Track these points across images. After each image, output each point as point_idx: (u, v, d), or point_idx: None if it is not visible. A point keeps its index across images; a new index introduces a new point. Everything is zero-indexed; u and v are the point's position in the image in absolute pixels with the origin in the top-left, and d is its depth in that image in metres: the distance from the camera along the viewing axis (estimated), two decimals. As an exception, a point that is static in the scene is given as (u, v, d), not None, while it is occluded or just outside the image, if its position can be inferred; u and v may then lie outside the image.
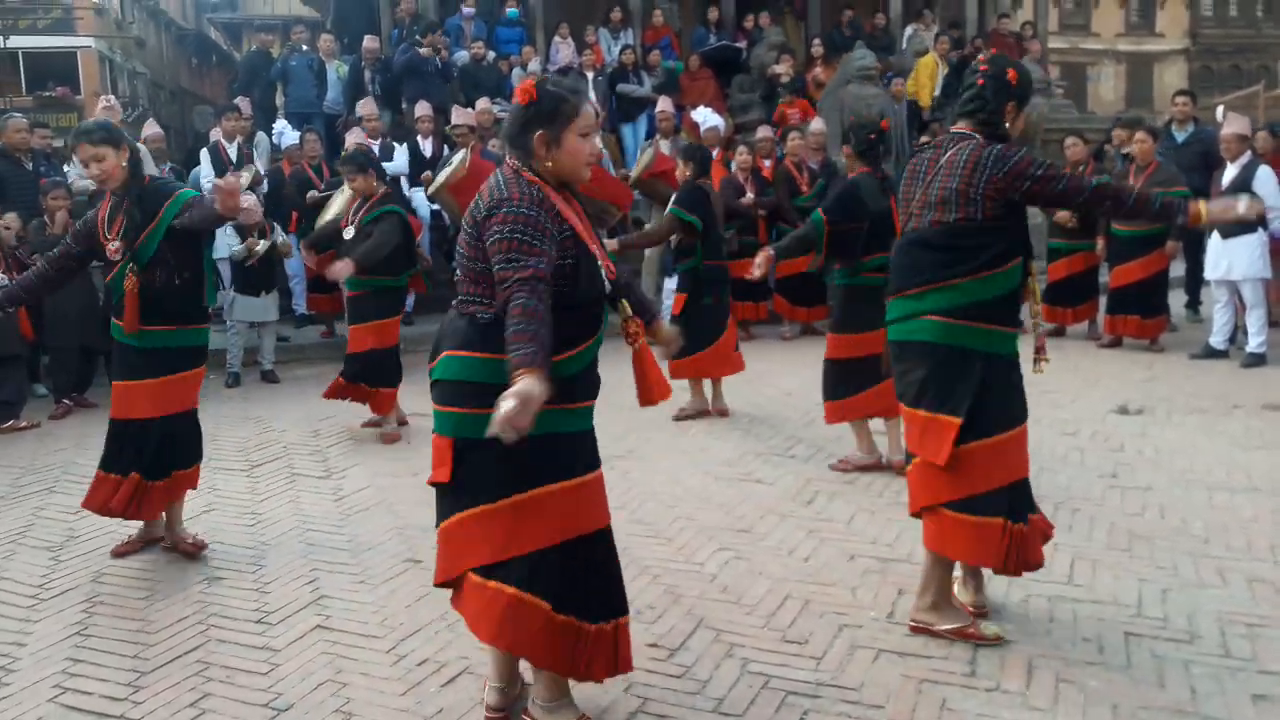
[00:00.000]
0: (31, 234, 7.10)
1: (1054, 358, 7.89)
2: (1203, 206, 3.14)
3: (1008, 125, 3.27)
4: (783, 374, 7.52)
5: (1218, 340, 7.73)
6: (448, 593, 3.75)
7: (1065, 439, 5.68)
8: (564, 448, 2.70)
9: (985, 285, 3.20)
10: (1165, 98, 25.18)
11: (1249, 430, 5.78)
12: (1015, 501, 3.25)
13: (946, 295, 3.23)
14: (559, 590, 2.68)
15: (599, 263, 2.72)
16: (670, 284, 7.87)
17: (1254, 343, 7.48)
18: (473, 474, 2.69)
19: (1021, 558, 3.24)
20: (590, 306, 2.72)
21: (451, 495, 2.76)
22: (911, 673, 3.15)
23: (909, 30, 13.52)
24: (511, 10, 12.34)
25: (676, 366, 6.04)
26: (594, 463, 2.80)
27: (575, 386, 2.70)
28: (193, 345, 4.22)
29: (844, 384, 5.10)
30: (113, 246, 4.03)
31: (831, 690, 3.07)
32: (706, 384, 6.45)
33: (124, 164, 4.03)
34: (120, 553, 4.31)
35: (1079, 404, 6.46)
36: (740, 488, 5.02)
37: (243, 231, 7.38)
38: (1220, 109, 14.31)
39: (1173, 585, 3.74)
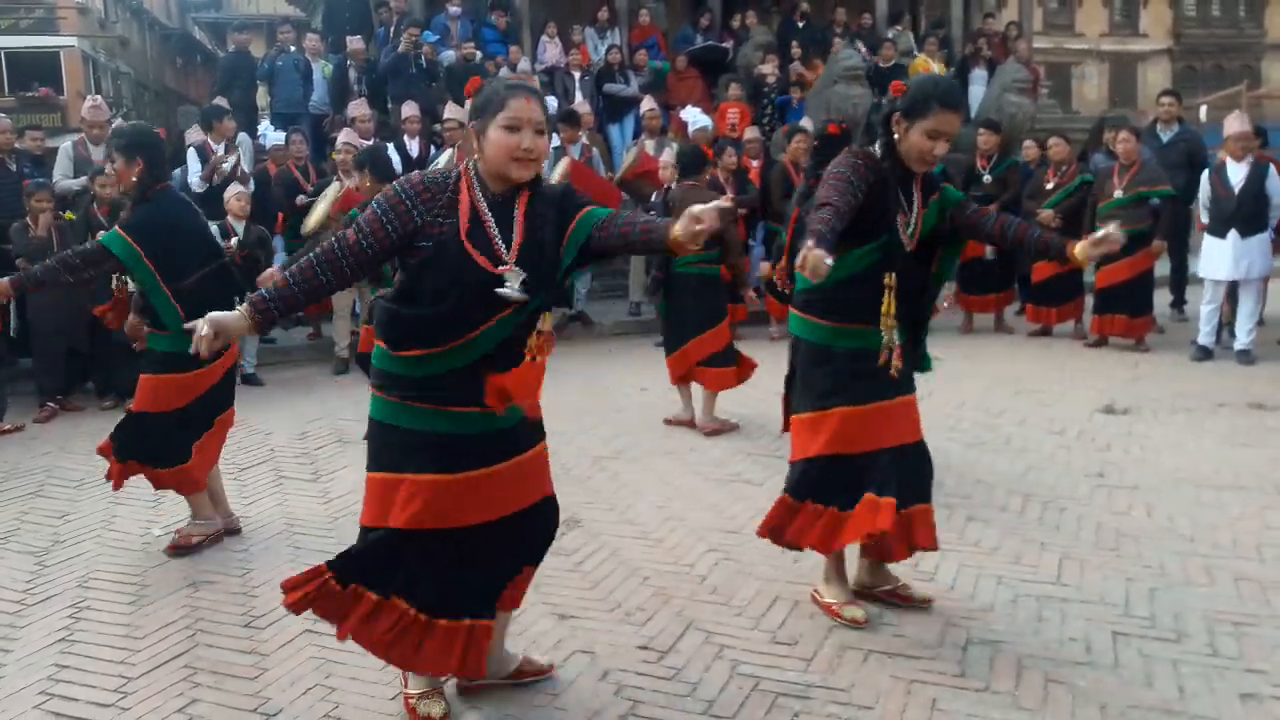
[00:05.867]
0: (14, 236, 7.04)
1: (1040, 357, 8.05)
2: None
3: (897, 136, 3.29)
4: (771, 374, 7.51)
5: (1209, 339, 7.78)
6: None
7: (1052, 438, 5.71)
8: (422, 442, 2.74)
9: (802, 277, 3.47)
10: (1149, 97, 25.32)
11: (1235, 428, 5.81)
12: (810, 481, 3.44)
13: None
14: (410, 578, 2.78)
15: (472, 261, 2.64)
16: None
17: (1247, 341, 7.56)
18: (370, 444, 2.90)
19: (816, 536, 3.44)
20: (451, 305, 2.64)
21: None
22: (901, 674, 3.16)
23: (892, 31, 13.55)
24: (491, 18, 12.28)
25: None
26: (475, 464, 2.76)
27: (445, 388, 2.70)
28: (155, 350, 4.30)
29: None
30: None
31: (822, 691, 3.07)
32: (697, 392, 6.31)
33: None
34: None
35: (1065, 403, 6.49)
36: (730, 488, 5.02)
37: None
38: (1203, 108, 14.39)
39: (1160, 584, 3.75)
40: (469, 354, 2.68)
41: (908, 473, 3.36)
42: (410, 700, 2.97)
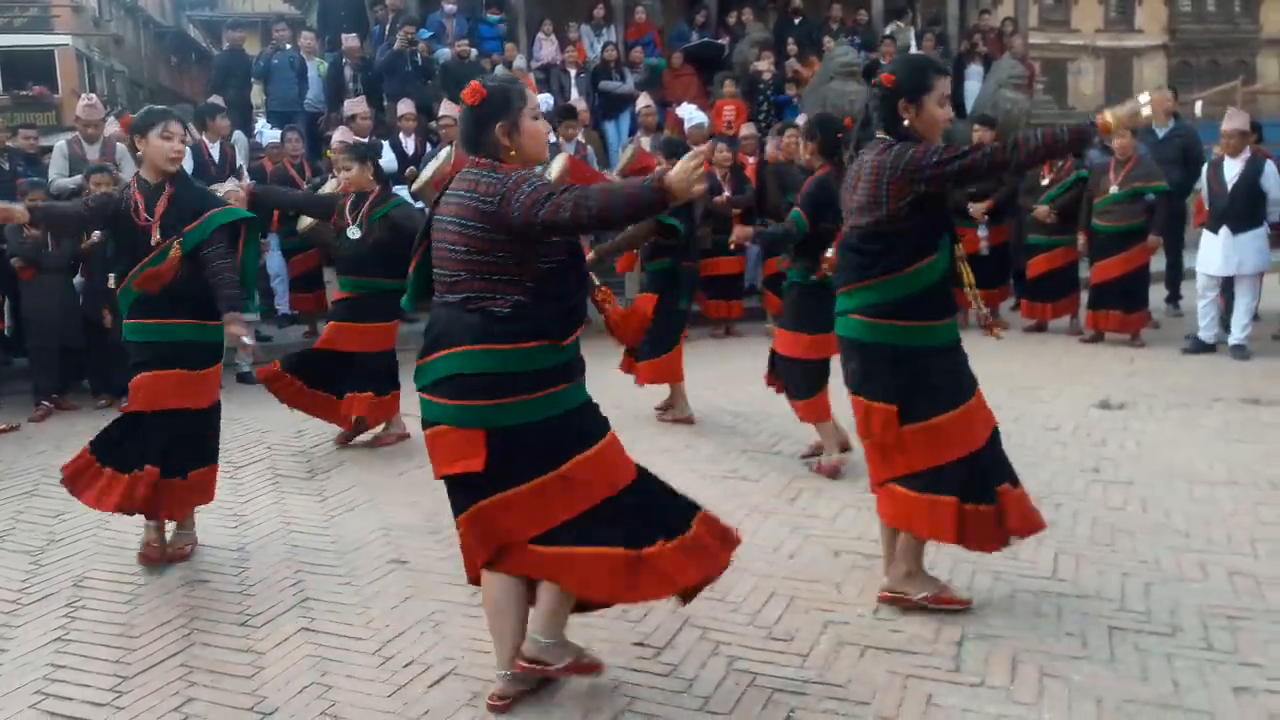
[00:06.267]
0: (9, 234, 7.02)
1: (1035, 353, 8.05)
2: (1108, 114, 3.10)
3: (907, 123, 3.32)
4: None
5: (1209, 334, 7.78)
6: (434, 593, 3.78)
7: (1047, 434, 5.72)
8: (581, 418, 2.92)
9: (894, 286, 3.36)
10: (1145, 93, 25.28)
11: (1229, 424, 5.82)
12: (968, 480, 3.34)
13: (866, 295, 3.42)
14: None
15: (580, 246, 2.96)
16: None
17: (1242, 336, 7.56)
18: (509, 459, 2.82)
19: (978, 535, 3.36)
20: (582, 287, 2.99)
21: (482, 482, 2.85)
22: (897, 668, 3.16)
23: (890, 28, 13.54)
24: (491, 16, 12.26)
25: (642, 370, 6.13)
26: (605, 426, 2.98)
27: (578, 364, 2.93)
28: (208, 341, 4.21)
29: (808, 383, 5.15)
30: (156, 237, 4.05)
31: (817, 687, 3.07)
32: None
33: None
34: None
35: (1061, 399, 6.50)
36: (725, 485, 5.02)
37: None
38: (1198, 104, 14.39)
39: (1155, 579, 3.76)
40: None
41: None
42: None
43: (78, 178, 7.72)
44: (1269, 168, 7.47)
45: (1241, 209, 7.45)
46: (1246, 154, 7.51)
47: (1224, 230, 7.50)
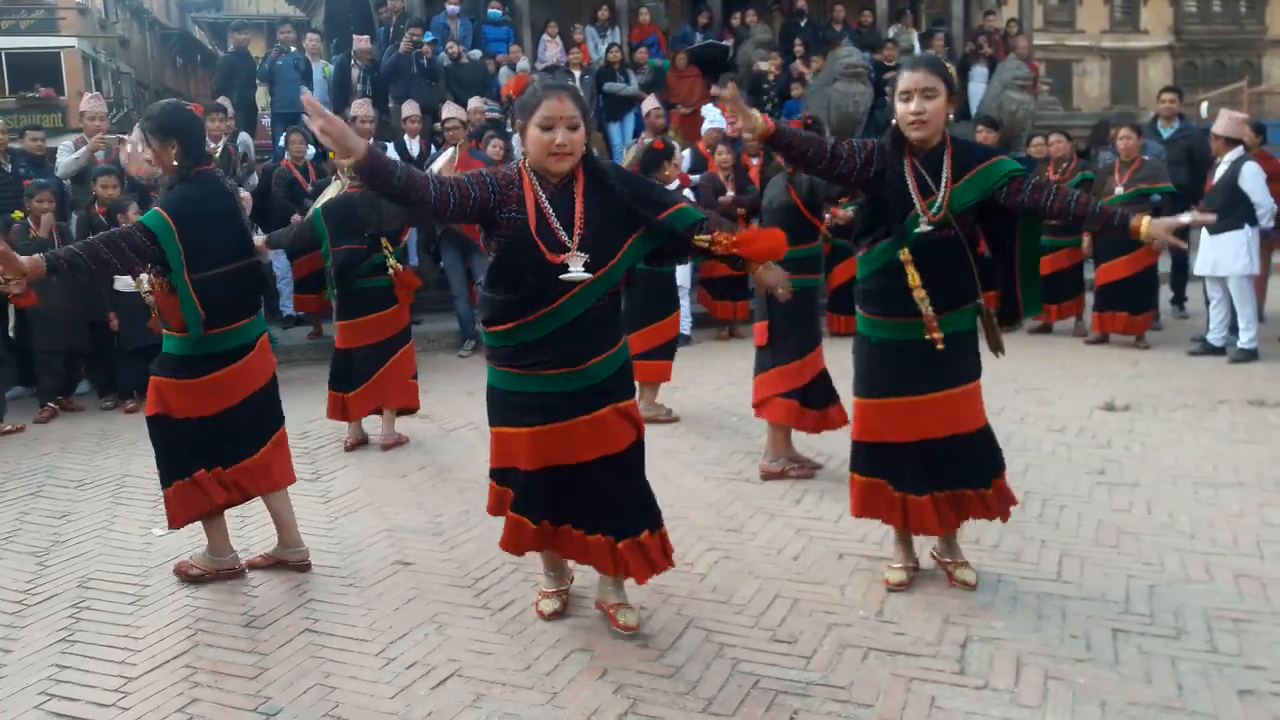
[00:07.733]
0: (15, 237, 7.03)
1: (1040, 354, 8.04)
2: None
3: None
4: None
5: (1216, 336, 7.74)
6: (437, 594, 3.79)
7: (1052, 435, 5.71)
8: (524, 403, 3.21)
9: None
10: (1150, 94, 25.30)
11: (1235, 425, 5.81)
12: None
13: None
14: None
15: (540, 253, 3.06)
16: None
17: (1244, 338, 7.51)
18: (487, 404, 3.41)
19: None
20: (526, 289, 3.09)
21: None
22: (901, 671, 3.16)
23: (894, 29, 13.54)
24: (493, 12, 12.29)
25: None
26: (559, 417, 3.20)
27: (530, 354, 3.15)
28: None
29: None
30: None
31: (821, 689, 3.07)
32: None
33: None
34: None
35: (1066, 400, 6.49)
36: (729, 487, 5.02)
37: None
38: (1204, 105, 14.36)
39: (1160, 581, 3.75)
40: (548, 325, 3.11)
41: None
42: (538, 601, 3.61)
43: (83, 149, 7.71)
44: (1246, 169, 7.37)
45: (1216, 208, 7.35)
46: (1234, 154, 7.47)
47: (1204, 231, 7.48)
